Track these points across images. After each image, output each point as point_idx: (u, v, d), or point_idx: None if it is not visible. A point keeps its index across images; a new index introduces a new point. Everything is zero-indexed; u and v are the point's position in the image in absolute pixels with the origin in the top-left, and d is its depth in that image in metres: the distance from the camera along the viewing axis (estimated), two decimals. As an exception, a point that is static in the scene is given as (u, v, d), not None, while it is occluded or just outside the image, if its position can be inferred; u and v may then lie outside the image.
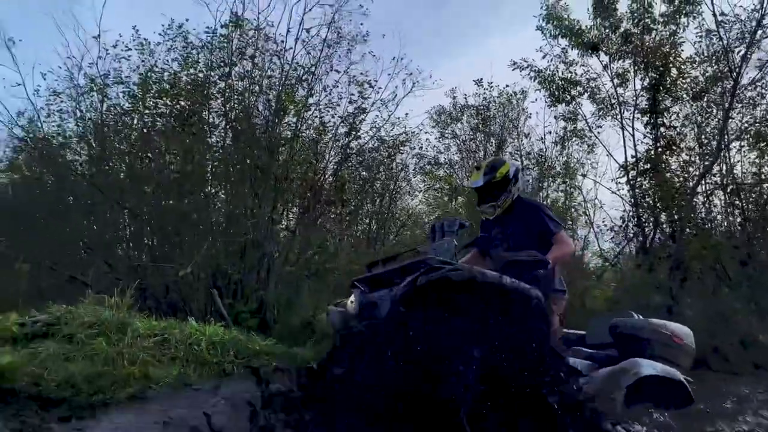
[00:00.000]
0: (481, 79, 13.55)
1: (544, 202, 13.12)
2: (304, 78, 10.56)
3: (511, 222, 3.97)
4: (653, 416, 3.54)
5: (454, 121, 13.88)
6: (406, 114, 16.45)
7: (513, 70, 12.75)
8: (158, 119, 10.30)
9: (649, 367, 3.64)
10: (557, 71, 12.63)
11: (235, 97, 10.37)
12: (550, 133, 13.43)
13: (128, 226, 10.45)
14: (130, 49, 10.14)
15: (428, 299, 3.01)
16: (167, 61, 10.29)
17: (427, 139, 13.64)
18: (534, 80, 12.77)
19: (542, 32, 12.59)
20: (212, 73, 10.31)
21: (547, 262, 3.41)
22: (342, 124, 11.02)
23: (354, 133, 11.13)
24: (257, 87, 10.42)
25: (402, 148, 12.34)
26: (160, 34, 10.26)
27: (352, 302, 3.54)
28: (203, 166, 10.34)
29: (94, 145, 10.39)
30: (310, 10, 10.24)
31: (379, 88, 10.97)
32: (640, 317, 4.16)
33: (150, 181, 10.16)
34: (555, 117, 13.15)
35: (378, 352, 3.02)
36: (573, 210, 13.25)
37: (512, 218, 3.97)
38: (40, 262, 9.43)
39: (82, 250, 10.65)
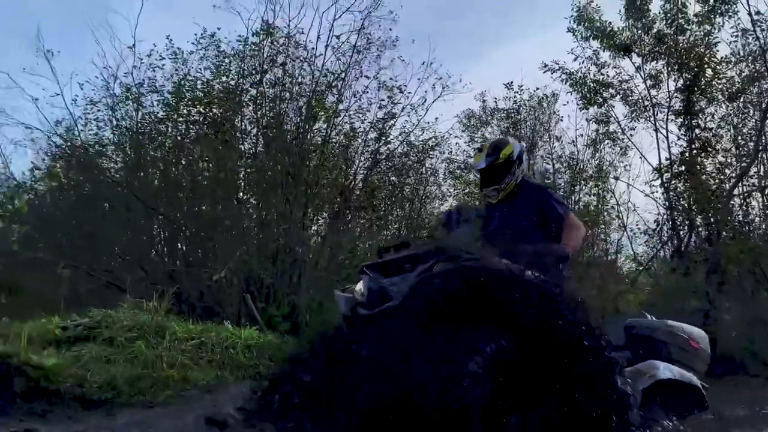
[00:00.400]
0: (512, 82, 13.48)
1: (576, 206, 13.01)
2: (334, 84, 10.65)
3: (515, 206, 3.76)
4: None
5: (484, 124, 13.83)
6: (436, 118, 16.30)
7: (544, 72, 12.67)
8: (192, 127, 10.48)
9: (666, 370, 3.55)
10: (589, 73, 12.51)
11: (267, 104, 10.51)
12: (582, 135, 13.28)
13: (163, 232, 10.64)
14: (164, 59, 10.35)
15: (444, 288, 2.89)
16: (200, 69, 10.50)
17: (456, 143, 13.55)
18: (565, 83, 12.67)
19: (573, 34, 12.49)
20: (244, 81, 10.47)
21: (568, 256, 3.31)
22: (372, 129, 11.08)
23: (384, 138, 11.18)
24: (288, 94, 10.54)
25: (431, 152, 12.34)
26: (193, 43, 10.46)
27: (360, 288, 3.39)
28: (235, 173, 10.49)
29: (129, 152, 10.61)
30: (339, 16, 10.34)
31: (409, 93, 11.00)
32: (654, 319, 4.03)
33: (184, 188, 10.35)
34: (587, 120, 13.01)
35: (388, 339, 2.92)
36: (606, 213, 13.08)
37: (517, 202, 3.76)
38: (78, 267, 9.64)
39: (118, 256, 10.86)
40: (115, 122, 10.55)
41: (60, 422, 4.13)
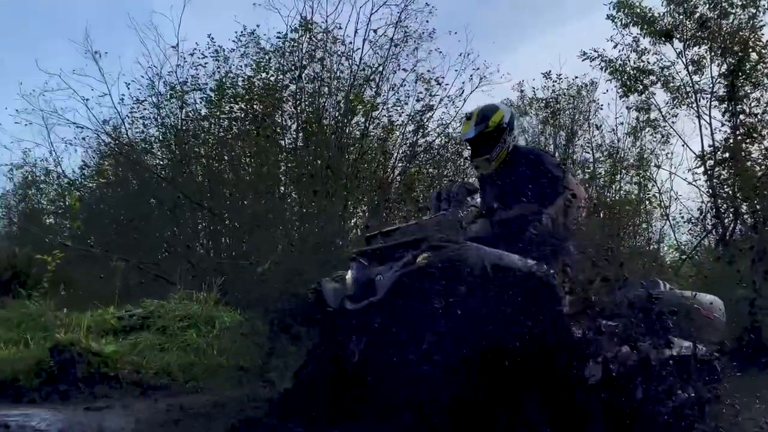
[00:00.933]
0: (550, 71, 13.39)
1: (617, 195, 12.87)
2: (371, 78, 10.77)
3: (509, 175, 3.50)
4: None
5: (522, 114, 13.77)
6: (473, 110, 16.38)
7: (582, 60, 12.56)
8: (234, 123, 10.73)
9: (675, 345, 3.27)
10: (629, 60, 12.35)
11: (306, 99, 10.69)
12: (622, 124, 13.12)
13: (207, 226, 10.95)
14: (206, 57, 10.62)
15: (428, 282, 2.76)
16: (241, 66, 10.75)
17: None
18: (604, 71, 12.53)
19: (613, 21, 12.34)
20: (284, 77, 10.67)
21: (540, 212, 3.10)
22: (410, 122, 11.16)
23: (421, 130, 11.26)
24: (327, 89, 10.71)
25: (470, 143, 12.33)
26: (233, 41, 10.71)
27: (349, 278, 3.22)
28: (276, 167, 10.71)
29: (174, 149, 10.92)
30: (377, 10, 10.46)
31: (446, 84, 11.06)
32: (668, 286, 3.75)
33: (227, 183, 10.62)
34: (627, 107, 12.86)
35: (371, 337, 2.83)
36: (647, 202, 12.92)
37: (510, 171, 3.50)
38: (128, 261, 10.00)
39: (165, 249, 11.21)
40: (160, 120, 10.88)
41: (119, 406, 4.34)
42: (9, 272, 8.66)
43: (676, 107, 12.26)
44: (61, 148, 12.36)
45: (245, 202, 10.50)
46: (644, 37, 12.21)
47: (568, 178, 3.42)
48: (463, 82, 11.21)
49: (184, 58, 10.46)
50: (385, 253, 3.05)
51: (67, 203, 11.69)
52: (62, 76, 10.13)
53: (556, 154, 13.65)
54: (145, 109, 10.83)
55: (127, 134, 11.05)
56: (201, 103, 10.81)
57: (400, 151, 11.41)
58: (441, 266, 2.74)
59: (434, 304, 2.71)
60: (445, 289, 2.73)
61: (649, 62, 12.25)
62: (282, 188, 10.83)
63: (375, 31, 10.54)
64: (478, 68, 11.03)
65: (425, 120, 11.21)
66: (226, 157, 10.72)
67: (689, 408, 3.07)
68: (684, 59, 12.00)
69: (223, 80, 10.64)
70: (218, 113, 10.73)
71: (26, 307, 5.79)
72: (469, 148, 3.72)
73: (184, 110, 10.75)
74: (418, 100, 11.04)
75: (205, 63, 10.61)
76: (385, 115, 11.08)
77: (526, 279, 2.83)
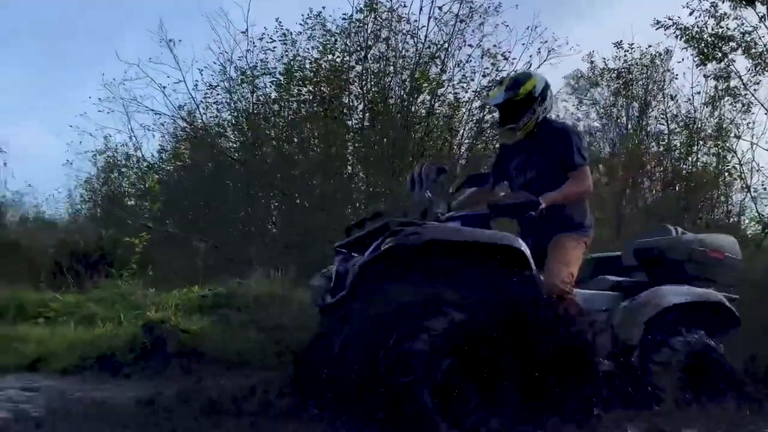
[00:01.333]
0: (621, 41, 12.93)
1: (693, 168, 12.41)
2: (437, 55, 10.74)
3: (534, 149, 3.26)
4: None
5: (593, 86, 13.40)
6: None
7: (656, 29, 12.03)
8: (302, 106, 10.96)
9: (674, 295, 3.14)
10: (706, 27, 11.76)
11: (372, 79, 10.77)
12: (699, 93, 12.58)
13: (280, 206, 11.28)
14: (274, 41, 10.85)
15: (392, 268, 2.68)
16: (308, 49, 10.93)
17: (564, 107, 13.24)
18: (680, 39, 11.98)
19: (690, -14, 11.75)
20: (349, 58, 10.78)
21: (537, 202, 2.88)
22: (476, 98, 11.07)
23: (488, 106, 11.13)
24: (392, 68, 10.76)
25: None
26: (300, 24, 10.87)
27: (332, 272, 3.08)
28: (344, 148, 10.89)
29: (246, 132, 11.25)
30: (442, -13, 10.35)
31: (513, 59, 10.92)
32: (681, 231, 3.57)
33: (297, 164, 10.89)
34: (704, 76, 12.31)
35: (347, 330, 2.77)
36: (727, 174, 12.39)
37: (535, 144, 3.26)
38: (205, 241, 10.45)
39: (240, 230, 11.63)
40: (232, 104, 11.25)
41: (206, 380, 4.60)
42: (97, 253, 9.25)
43: (759, 74, 11.64)
44: (140, 134, 12.92)
45: (315, 182, 10.74)
46: (723, 2, 11.59)
47: (583, 168, 3.16)
48: (531, 56, 11.00)
49: (254, 43, 10.76)
50: (366, 242, 2.89)
51: (146, 186, 12.25)
52: (140, 65, 10.58)
53: (629, 125, 13.27)
54: (218, 94, 11.24)
55: (201, 119, 11.48)
56: (271, 86, 11.10)
57: (467, 128, 11.36)
58: (401, 251, 2.64)
59: (399, 290, 2.65)
60: (407, 273, 2.67)
61: (728, 28, 11.64)
62: (350, 168, 11.00)
63: (440, 7, 10.50)
64: (545, 41, 10.82)
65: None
66: (295, 139, 10.97)
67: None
68: (767, 24, 11.35)
69: (291, 63, 10.87)
70: (287, 96, 10.97)
71: (118, 287, 6.18)
72: (498, 114, 3.45)
73: (254, 94, 11.05)
74: (484, 76, 10.96)
75: (274, 47, 10.87)
76: (450, 92, 11.05)
77: (490, 249, 2.72)
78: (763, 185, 11.74)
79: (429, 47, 10.66)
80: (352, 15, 10.57)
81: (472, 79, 10.98)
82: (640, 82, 12.98)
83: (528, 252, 2.79)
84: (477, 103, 11.12)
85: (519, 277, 2.76)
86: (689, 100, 12.58)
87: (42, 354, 5.09)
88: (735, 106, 12.25)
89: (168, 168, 13.04)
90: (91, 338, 5.26)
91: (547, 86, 3.31)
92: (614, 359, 2.94)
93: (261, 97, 11.08)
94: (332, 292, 2.92)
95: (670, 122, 12.60)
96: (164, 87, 10.68)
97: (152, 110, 11.09)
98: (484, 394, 2.63)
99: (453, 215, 3.00)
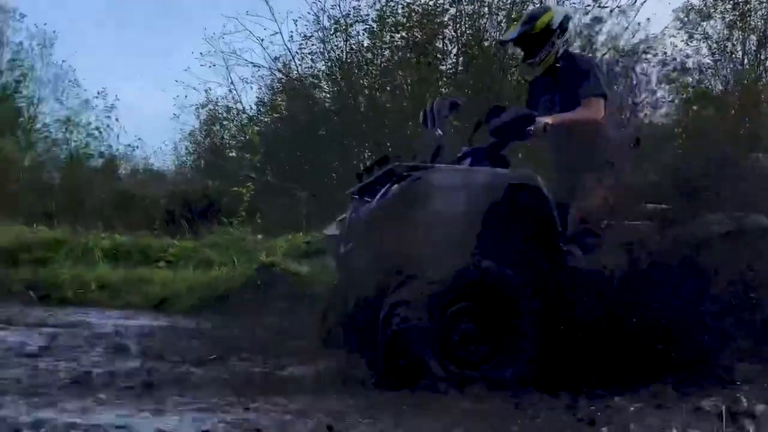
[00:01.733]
0: (738, -33, 11.86)
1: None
2: (533, -8, 10.29)
3: (556, 84, 3.15)
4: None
5: (706, 18, 12.44)
6: (648, 19, 15.07)
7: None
8: (395, 52, 10.87)
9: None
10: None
11: (466, 21, 10.50)
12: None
13: (372, 156, 11.37)
14: (366, -14, 10.74)
15: (400, 213, 2.57)
16: (400, -8, 10.71)
17: (672, 43, 12.39)
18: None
19: None
20: (443, 0, 10.52)
21: (530, 116, 2.76)
22: (576, 37, 10.54)
23: (590, 45, 10.60)
24: (487, 9, 10.43)
25: (644, 56, 11.46)
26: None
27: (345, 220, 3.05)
28: (437, 94, 10.74)
29: (340, 82, 11.34)
30: None
31: (613, -7, 10.26)
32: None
33: (390, 112, 10.90)
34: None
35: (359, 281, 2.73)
36: None
37: (559, 80, 3.16)
38: (303, 190, 10.75)
39: (334, 179, 11.87)
40: (326, 54, 11.33)
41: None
42: (204, 202, 9.77)
43: None
44: (239, 87, 13.31)
45: (408, 132, 10.72)
46: None
47: (592, 100, 3.00)
48: (637, -13, 10.32)
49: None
50: (377, 188, 2.79)
51: (247, 138, 12.67)
52: (239, 18, 10.81)
53: (745, 61, 12.29)
54: (312, 44, 11.33)
55: (297, 70, 11.65)
56: (363, 34, 11.05)
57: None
58: (408, 196, 2.56)
59: (407, 236, 2.53)
60: (416, 218, 2.55)
61: None
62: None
63: (537, -59, 9.96)
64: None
65: (594, 34, 10.53)
66: (388, 87, 10.94)
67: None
68: None
69: (384, 9, 10.75)
70: (380, 44, 10.92)
71: (230, 234, 6.53)
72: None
73: (348, 43, 11.06)
74: (585, 14, 10.37)
75: (366, -8, 10.76)
76: (549, 32, 10.57)
77: (500, 188, 2.57)
78: None
79: (526, -17, 10.24)
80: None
81: (572, 18, 10.41)
82: (760, 13, 11.93)
83: (544, 187, 2.64)
84: (578, 42, 10.61)
85: (535, 215, 2.62)
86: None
87: (166, 295, 5.52)
88: None
89: (266, 120, 13.40)
90: (208, 280, 5.63)
91: (567, 19, 3.23)
92: None
93: (354, 46, 11.10)
94: (345, 242, 2.89)
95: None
96: (262, 39, 10.89)
97: (251, 63, 11.36)
98: (499, 342, 2.51)
99: (465, 152, 2.92)
